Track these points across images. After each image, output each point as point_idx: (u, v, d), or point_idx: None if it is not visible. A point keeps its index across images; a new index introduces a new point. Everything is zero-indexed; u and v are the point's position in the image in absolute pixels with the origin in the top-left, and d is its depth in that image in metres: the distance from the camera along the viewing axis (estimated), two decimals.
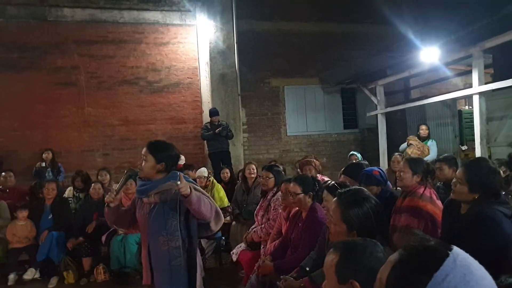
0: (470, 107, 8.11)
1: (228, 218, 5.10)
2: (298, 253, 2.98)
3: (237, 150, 8.11)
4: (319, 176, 4.23)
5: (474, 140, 5.91)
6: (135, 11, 7.78)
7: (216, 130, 7.00)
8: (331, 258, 1.22)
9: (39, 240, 5.00)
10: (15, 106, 7.17)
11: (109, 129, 7.71)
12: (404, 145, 6.58)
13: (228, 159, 7.22)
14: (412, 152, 6.23)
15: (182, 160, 6.88)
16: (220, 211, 2.49)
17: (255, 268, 3.32)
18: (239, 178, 5.86)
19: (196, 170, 5.85)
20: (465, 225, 2.16)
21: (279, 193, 3.71)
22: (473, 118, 6.04)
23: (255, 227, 4.11)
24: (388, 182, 3.26)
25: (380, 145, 8.24)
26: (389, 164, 6.39)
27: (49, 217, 5.15)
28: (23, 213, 5.08)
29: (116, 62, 7.77)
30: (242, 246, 4.11)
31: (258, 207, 4.23)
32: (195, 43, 8.10)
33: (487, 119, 6.02)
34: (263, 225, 3.95)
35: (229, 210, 5.41)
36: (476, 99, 5.74)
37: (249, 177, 5.23)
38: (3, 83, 7.11)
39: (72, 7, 7.46)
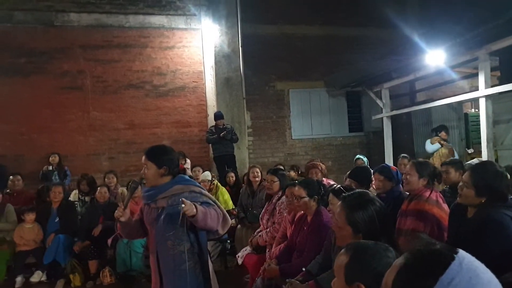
0: (476, 110, 8.06)
1: (233, 221, 5.10)
2: (303, 257, 2.97)
3: (242, 154, 8.12)
4: (324, 180, 4.23)
5: (480, 143, 5.87)
6: (140, 16, 7.84)
7: (221, 134, 7.01)
8: (341, 258, 1.24)
9: (46, 243, 5.03)
10: (22, 111, 7.23)
11: (114, 133, 7.76)
12: (435, 146, 6.52)
13: (233, 163, 7.23)
14: (444, 153, 6.31)
15: (188, 164, 6.92)
16: (227, 215, 2.47)
17: (260, 271, 3.32)
18: (244, 181, 5.87)
19: (203, 171, 5.91)
20: (471, 229, 2.14)
21: (284, 196, 3.71)
22: (479, 121, 5.99)
23: (260, 231, 4.11)
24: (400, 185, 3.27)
25: (385, 148, 8.19)
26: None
27: (56, 220, 5.19)
28: (30, 216, 5.12)
29: (122, 66, 7.82)
30: (247, 249, 4.11)
31: (263, 211, 4.23)
32: (200, 47, 8.14)
33: (494, 122, 5.97)
34: (268, 229, 3.95)
35: (234, 213, 5.43)
36: (482, 102, 5.70)
37: (253, 180, 5.23)
38: (10, 87, 7.19)
39: (79, 12, 7.54)
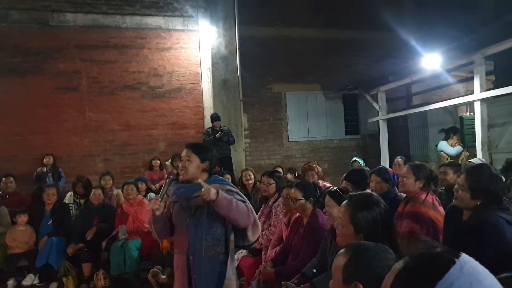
0: (472, 113, 8.10)
1: None
2: (299, 259, 2.96)
3: (239, 156, 8.10)
4: (320, 182, 4.22)
5: (475, 147, 5.90)
6: (137, 17, 7.81)
7: (216, 135, 6.99)
8: (340, 258, 1.23)
9: (39, 245, 4.96)
10: (17, 111, 7.16)
11: (110, 134, 7.71)
12: (458, 148, 6.46)
13: (229, 165, 7.21)
14: (466, 156, 6.34)
15: None
16: (258, 222, 2.38)
17: (256, 274, 3.30)
18: (238, 184, 5.85)
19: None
20: (467, 231, 2.14)
21: (281, 199, 3.69)
22: (474, 124, 6.03)
23: None
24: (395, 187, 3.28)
25: (381, 151, 8.22)
26: None
27: (49, 223, 5.12)
28: (22, 218, 5.05)
29: (118, 67, 7.78)
30: (243, 252, 4.08)
31: (259, 213, 4.20)
32: (197, 49, 8.12)
33: (489, 126, 6.02)
34: (264, 232, 3.93)
35: None
36: (477, 106, 5.73)
37: (246, 183, 5.24)
38: (5, 87, 7.12)
39: (75, 12, 7.50)
